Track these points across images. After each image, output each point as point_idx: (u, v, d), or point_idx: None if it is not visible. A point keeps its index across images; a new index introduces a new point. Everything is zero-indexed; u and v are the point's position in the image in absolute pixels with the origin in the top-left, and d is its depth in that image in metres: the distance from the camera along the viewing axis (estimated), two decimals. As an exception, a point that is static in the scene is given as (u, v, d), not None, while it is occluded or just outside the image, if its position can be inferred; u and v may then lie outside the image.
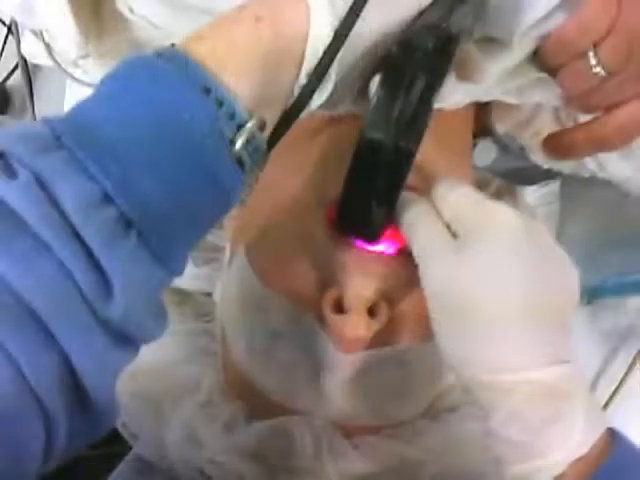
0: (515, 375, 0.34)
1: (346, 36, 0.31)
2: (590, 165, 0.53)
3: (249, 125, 0.29)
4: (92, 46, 0.45)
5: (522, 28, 0.38)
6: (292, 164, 0.44)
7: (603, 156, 0.51)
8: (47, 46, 0.44)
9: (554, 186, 0.60)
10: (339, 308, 0.40)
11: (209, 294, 0.55)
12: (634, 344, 0.64)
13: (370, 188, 0.35)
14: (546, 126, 0.51)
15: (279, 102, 0.32)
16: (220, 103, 0.28)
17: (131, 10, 0.42)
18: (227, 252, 0.51)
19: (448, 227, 0.37)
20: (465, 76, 0.39)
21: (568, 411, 0.34)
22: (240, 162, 0.29)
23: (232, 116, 0.28)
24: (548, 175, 0.57)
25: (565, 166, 0.55)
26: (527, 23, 0.38)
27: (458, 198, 0.37)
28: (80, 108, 0.28)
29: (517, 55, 0.41)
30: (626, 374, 0.64)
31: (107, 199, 0.26)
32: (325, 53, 0.31)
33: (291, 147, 0.41)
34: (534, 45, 0.41)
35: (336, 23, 0.31)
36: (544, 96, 0.44)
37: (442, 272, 0.36)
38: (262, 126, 0.30)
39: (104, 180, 0.26)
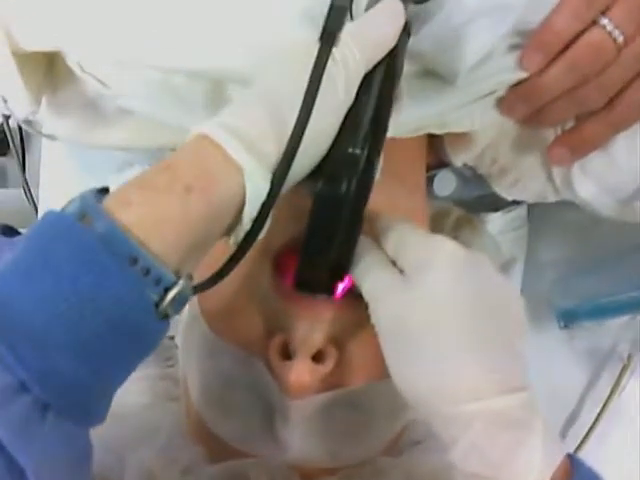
0: (471, 405, 0.34)
1: (282, 182, 0.32)
2: (557, 183, 0.52)
3: (176, 287, 0.30)
4: (46, 100, 0.46)
5: (466, 66, 0.39)
6: None
7: (569, 173, 0.51)
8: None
9: (520, 210, 0.60)
10: (286, 354, 0.41)
11: (172, 337, 0.56)
12: (616, 364, 0.63)
13: (330, 242, 0.37)
14: (502, 154, 0.51)
15: (210, 248, 0.33)
16: (147, 271, 0.28)
17: (81, 67, 0.44)
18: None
19: (393, 263, 0.38)
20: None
21: (527, 440, 0.34)
22: (165, 315, 0.30)
23: (158, 281, 0.29)
24: (513, 201, 0.57)
25: (529, 196, 0.54)
26: (470, 62, 0.39)
27: (400, 235, 0.38)
28: None
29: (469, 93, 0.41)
30: (610, 394, 0.64)
31: (23, 387, 0.27)
32: (264, 205, 0.32)
33: None
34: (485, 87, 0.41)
35: (269, 175, 0.32)
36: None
37: (391, 309, 0.36)
38: (190, 278, 0.31)
39: (20, 370, 0.26)
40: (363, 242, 0.39)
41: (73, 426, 0.29)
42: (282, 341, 0.41)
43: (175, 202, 0.30)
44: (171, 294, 0.29)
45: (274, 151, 0.31)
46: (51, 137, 0.51)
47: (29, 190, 0.71)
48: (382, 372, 0.37)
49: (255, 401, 0.42)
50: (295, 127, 0.31)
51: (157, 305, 0.29)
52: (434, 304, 0.35)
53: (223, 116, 0.32)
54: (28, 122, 0.53)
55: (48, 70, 0.47)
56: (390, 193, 0.44)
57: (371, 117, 0.34)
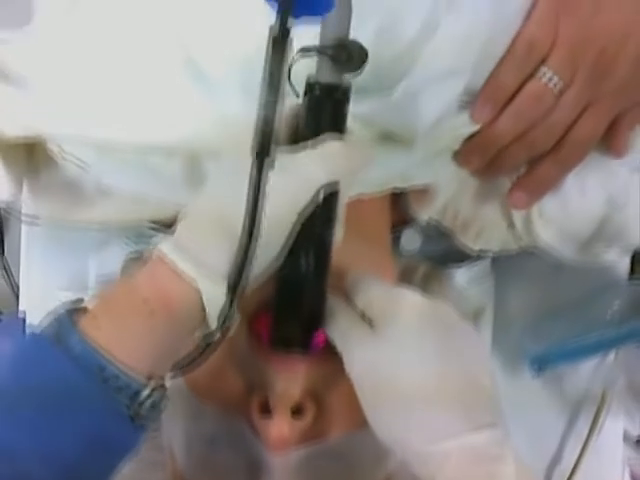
0: (444, 444, 0.36)
1: (239, 282, 0.34)
2: (518, 229, 0.54)
3: (146, 389, 0.33)
4: (28, 182, 0.49)
5: (423, 130, 0.42)
6: None
7: (529, 219, 0.53)
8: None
9: (485, 264, 0.62)
10: (266, 411, 0.42)
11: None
12: (592, 404, 0.65)
13: (299, 308, 0.40)
14: (464, 207, 0.54)
15: (181, 349, 0.36)
16: (116, 380, 0.32)
17: (60, 149, 0.46)
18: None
19: (363, 315, 0.40)
20: None
21: (500, 472, 0.35)
22: (140, 416, 0.33)
23: (127, 386, 0.33)
24: (477, 255, 0.59)
25: (493, 245, 0.57)
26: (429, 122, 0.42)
27: (367, 289, 0.41)
28: None
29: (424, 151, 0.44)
30: (590, 434, 0.65)
31: None
32: (226, 316, 0.35)
33: None
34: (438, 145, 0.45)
35: (224, 283, 0.34)
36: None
37: (362, 359, 0.39)
38: (162, 382, 0.35)
39: None
40: (333, 297, 0.41)
41: None
42: (262, 399, 0.42)
43: (139, 322, 0.34)
44: (142, 396, 0.33)
45: (225, 263, 0.34)
46: (32, 222, 0.52)
47: (9, 272, 0.72)
48: (362, 421, 0.39)
49: (240, 459, 0.43)
50: (239, 247, 0.33)
51: (129, 408, 0.33)
52: (402, 352, 0.38)
53: (177, 233, 0.36)
54: (9, 207, 0.55)
55: (29, 155, 0.49)
56: (356, 250, 0.46)
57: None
